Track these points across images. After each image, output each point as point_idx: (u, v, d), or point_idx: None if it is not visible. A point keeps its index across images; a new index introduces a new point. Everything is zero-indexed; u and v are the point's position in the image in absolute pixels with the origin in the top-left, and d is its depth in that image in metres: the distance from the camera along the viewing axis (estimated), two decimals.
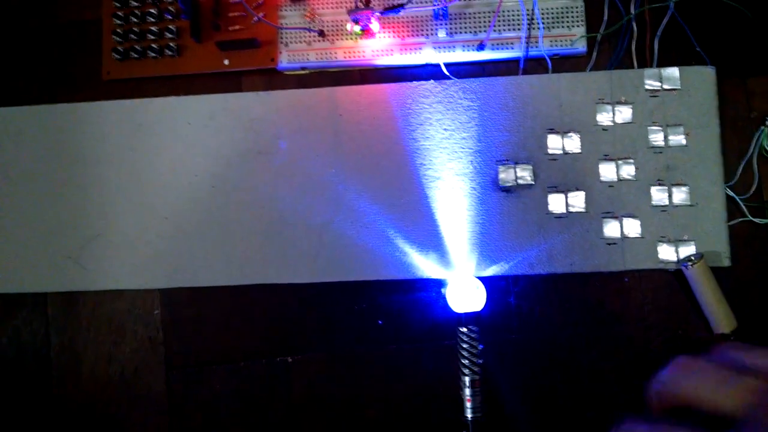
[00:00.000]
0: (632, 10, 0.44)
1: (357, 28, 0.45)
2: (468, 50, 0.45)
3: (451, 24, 0.45)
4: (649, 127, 0.44)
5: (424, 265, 0.44)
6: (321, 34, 0.46)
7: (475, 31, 0.45)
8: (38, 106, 0.48)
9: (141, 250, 0.46)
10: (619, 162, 0.44)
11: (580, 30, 0.45)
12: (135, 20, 0.48)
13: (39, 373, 0.47)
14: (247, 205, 0.46)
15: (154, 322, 0.47)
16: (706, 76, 0.44)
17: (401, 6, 0.43)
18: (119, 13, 0.48)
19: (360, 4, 0.44)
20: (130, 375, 0.47)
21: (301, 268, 0.45)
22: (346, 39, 0.46)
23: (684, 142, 0.44)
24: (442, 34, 0.45)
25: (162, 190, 0.47)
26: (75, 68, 0.49)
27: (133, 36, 0.48)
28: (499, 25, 0.45)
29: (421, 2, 0.46)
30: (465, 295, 0.42)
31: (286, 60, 0.46)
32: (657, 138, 0.44)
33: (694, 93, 0.44)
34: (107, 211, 0.47)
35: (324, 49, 0.46)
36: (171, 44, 0.47)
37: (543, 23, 0.45)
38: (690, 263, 0.42)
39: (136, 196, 0.47)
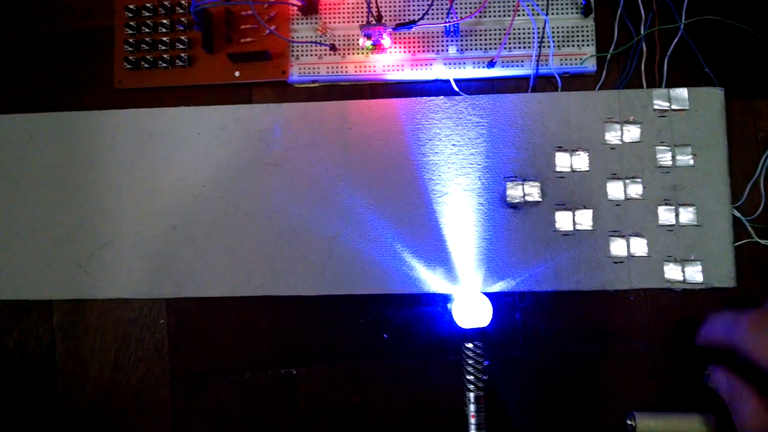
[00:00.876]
0: (642, 31, 0.46)
1: (368, 43, 0.46)
2: (478, 67, 0.46)
3: (462, 41, 0.47)
4: (656, 147, 0.45)
5: (431, 280, 0.45)
6: (332, 48, 0.47)
7: (486, 48, 0.47)
8: (48, 113, 0.49)
9: (149, 259, 0.47)
10: (627, 181, 0.45)
11: (590, 49, 0.46)
12: (147, 30, 0.49)
13: (44, 380, 0.48)
14: (256, 216, 0.47)
15: (160, 331, 0.48)
16: (714, 97, 0.45)
17: (414, 23, 0.45)
18: (131, 23, 0.49)
19: (372, 20, 0.45)
20: (135, 384, 0.48)
21: (308, 280, 0.46)
22: (357, 53, 0.47)
23: (691, 162, 0.45)
24: (452, 50, 0.47)
25: (171, 200, 0.48)
26: (86, 76, 0.50)
27: (145, 46, 0.49)
28: (510, 43, 0.46)
29: (433, 19, 0.47)
30: (471, 310, 0.43)
31: (297, 73, 0.48)
32: (665, 158, 0.45)
33: (702, 114, 0.45)
34: (116, 219, 0.48)
35: (335, 63, 0.47)
36: (182, 55, 0.48)
37: (554, 42, 0.46)
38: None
39: (144, 204, 0.48)
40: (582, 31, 0.46)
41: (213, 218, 0.47)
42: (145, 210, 0.48)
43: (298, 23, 0.48)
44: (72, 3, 0.51)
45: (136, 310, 0.48)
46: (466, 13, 0.47)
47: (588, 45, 0.46)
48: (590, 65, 0.46)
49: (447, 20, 0.46)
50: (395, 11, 0.47)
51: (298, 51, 0.48)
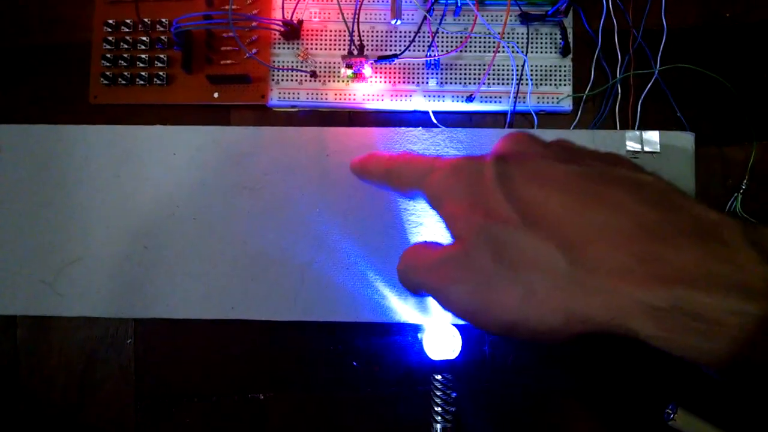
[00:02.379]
0: (618, 74, 0.48)
1: (349, 72, 0.48)
2: (457, 101, 0.49)
3: (442, 74, 0.49)
4: None
5: (402, 310, 0.47)
6: (313, 74, 0.49)
7: (465, 83, 0.49)
8: (20, 125, 0.50)
9: (118, 278, 0.48)
10: None
11: (567, 89, 0.48)
12: (126, 46, 0.50)
13: (6, 397, 0.49)
14: (230, 240, 0.48)
15: (127, 351, 0.49)
16: (685, 141, 0.48)
17: (395, 56, 0.46)
18: (110, 38, 0.50)
19: (354, 50, 0.47)
20: (99, 404, 0.49)
21: (280, 306, 0.48)
22: (338, 81, 0.49)
23: None
24: (432, 83, 0.49)
25: (143, 219, 0.49)
26: (61, 90, 0.51)
27: (122, 62, 0.50)
28: (489, 79, 0.49)
29: (415, 52, 0.49)
30: (441, 342, 0.45)
31: (276, 97, 0.49)
32: None
33: (673, 157, 0.48)
34: (86, 236, 0.49)
35: (315, 90, 0.49)
36: (161, 73, 0.50)
37: (532, 80, 0.48)
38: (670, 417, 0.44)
39: (116, 223, 0.49)
40: (560, 71, 0.49)
41: (186, 240, 0.48)
42: (117, 228, 0.49)
43: (279, 48, 0.50)
44: (50, 15, 0.52)
45: (103, 329, 0.49)
46: (447, 48, 0.49)
47: (565, 85, 0.49)
48: (566, 104, 0.48)
49: (428, 54, 0.48)
50: (377, 42, 0.49)
51: (278, 76, 0.49)
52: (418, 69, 0.49)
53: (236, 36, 0.47)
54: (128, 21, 0.50)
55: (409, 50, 0.48)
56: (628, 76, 0.48)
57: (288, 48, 0.50)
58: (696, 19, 0.49)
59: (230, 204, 0.48)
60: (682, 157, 0.48)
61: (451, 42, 0.49)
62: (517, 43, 0.48)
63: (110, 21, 0.50)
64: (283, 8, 0.48)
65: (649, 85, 0.48)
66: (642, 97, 0.48)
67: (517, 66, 0.48)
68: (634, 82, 0.48)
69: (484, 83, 0.48)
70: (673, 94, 0.48)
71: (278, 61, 0.49)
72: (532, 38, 0.49)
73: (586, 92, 0.49)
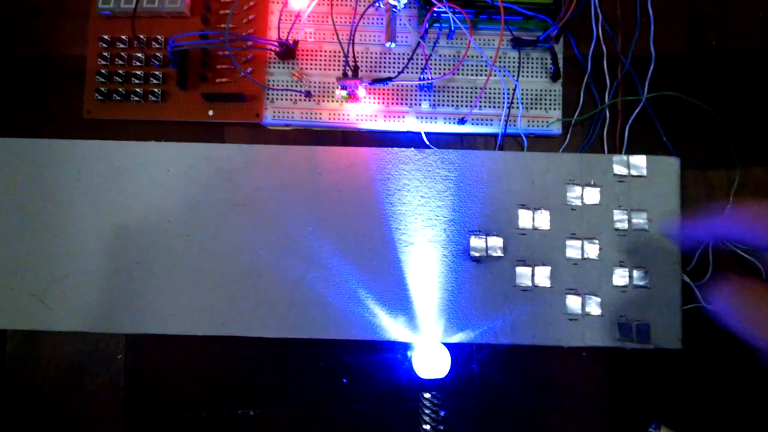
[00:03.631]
0: (606, 99, 0.50)
1: (344, 93, 0.49)
2: (449, 123, 0.50)
3: (434, 96, 0.50)
4: (614, 211, 0.49)
5: (392, 328, 0.49)
6: (307, 94, 0.50)
7: (457, 105, 0.51)
8: (12, 138, 0.50)
9: (109, 293, 0.49)
10: (585, 242, 0.49)
11: (557, 113, 0.50)
12: (121, 62, 0.52)
13: None
14: (221, 256, 0.49)
15: (116, 366, 0.50)
16: (670, 165, 0.49)
17: (389, 79, 0.48)
18: (105, 54, 0.51)
19: (349, 72, 0.49)
20: (87, 419, 0.50)
21: (270, 322, 0.49)
22: (332, 101, 0.50)
23: (647, 227, 0.49)
24: (425, 105, 0.50)
25: (135, 235, 0.50)
26: (55, 104, 0.52)
27: (117, 78, 0.51)
28: (481, 102, 0.50)
29: (409, 74, 0.50)
30: (430, 361, 0.47)
31: (270, 116, 0.51)
32: (621, 221, 0.49)
33: (659, 181, 0.49)
34: (77, 251, 0.50)
35: (309, 109, 0.51)
36: (155, 90, 0.51)
37: (522, 104, 0.50)
38: None
39: (108, 238, 0.50)
40: (550, 95, 0.51)
41: (177, 255, 0.49)
42: (108, 243, 0.50)
43: (274, 67, 0.51)
44: (45, 29, 0.53)
45: (93, 344, 0.50)
46: (440, 71, 0.50)
47: (554, 109, 0.51)
48: (556, 128, 0.50)
49: (422, 77, 0.50)
50: (372, 63, 0.51)
51: (273, 95, 0.51)
52: (412, 91, 0.51)
53: (232, 56, 0.49)
54: (124, 37, 0.52)
55: (404, 72, 0.50)
56: (617, 102, 0.50)
57: (283, 68, 0.51)
58: (683, 46, 0.51)
59: (222, 220, 0.49)
60: (668, 181, 0.50)
61: (445, 65, 0.50)
62: (509, 67, 0.50)
63: (105, 36, 0.52)
64: (279, 28, 0.50)
65: (636, 111, 0.50)
66: (629, 122, 0.50)
67: (509, 90, 0.50)
68: (622, 107, 0.50)
69: (476, 106, 0.50)
70: (660, 119, 0.50)
71: (273, 81, 0.51)
72: (523, 63, 0.51)
73: (575, 116, 0.51)
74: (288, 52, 0.50)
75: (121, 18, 0.51)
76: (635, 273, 0.49)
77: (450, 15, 0.48)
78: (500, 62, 0.50)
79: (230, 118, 0.51)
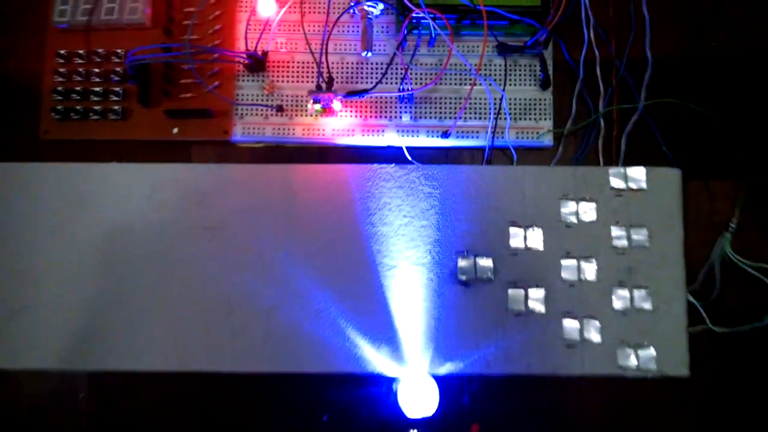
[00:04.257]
0: (601, 108, 0.47)
1: (318, 107, 0.47)
2: (432, 136, 0.48)
3: (416, 108, 0.48)
4: (612, 227, 0.46)
5: (376, 360, 0.46)
6: (279, 109, 0.48)
7: (441, 117, 0.48)
8: None
9: (71, 327, 0.46)
10: (581, 261, 0.46)
11: (547, 123, 0.48)
12: (79, 78, 0.49)
13: None
14: (190, 284, 0.46)
15: (79, 406, 0.47)
16: (671, 177, 0.46)
17: (365, 91, 0.45)
18: (62, 70, 0.49)
19: (323, 85, 0.46)
20: None
21: (244, 356, 0.46)
22: (306, 116, 0.48)
23: (647, 244, 0.46)
24: (406, 118, 0.48)
25: (99, 264, 0.47)
26: (9, 124, 0.50)
27: (75, 95, 0.49)
28: (466, 113, 0.48)
29: (387, 84, 0.48)
30: (417, 398, 0.43)
31: (240, 133, 0.48)
32: (620, 238, 0.46)
33: (659, 194, 0.46)
34: (36, 282, 0.47)
35: (281, 125, 0.48)
36: (116, 107, 0.48)
37: (510, 114, 0.47)
38: None
39: (69, 267, 0.47)
40: (539, 105, 0.48)
41: (143, 285, 0.46)
42: (70, 273, 0.47)
43: (243, 80, 0.49)
44: None
45: (55, 382, 0.47)
46: (421, 81, 0.48)
47: (545, 119, 0.48)
48: (547, 139, 0.48)
49: (401, 88, 0.47)
50: (347, 74, 0.48)
51: (242, 110, 0.48)
52: (391, 103, 0.48)
53: (194, 70, 0.46)
54: (81, 51, 0.49)
55: (381, 83, 0.47)
56: (611, 110, 0.47)
57: (252, 81, 0.49)
58: (681, 49, 0.49)
59: (190, 246, 0.46)
60: (669, 194, 0.47)
61: (426, 74, 0.48)
62: (495, 75, 0.48)
63: (62, 51, 0.49)
64: (246, 39, 0.47)
65: (633, 119, 0.48)
66: (626, 131, 0.48)
67: (495, 99, 0.47)
68: (618, 115, 0.48)
69: (460, 118, 0.47)
70: (659, 127, 0.48)
71: (242, 95, 0.48)
72: (510, 70, 0.48)
73: (568, 127, 0.48)
74: (257, 64, 0.47)
75: (78, 31, 0.49)
76: (636, 294, 0.46)
77: (430, 21, 0.45)
78: (485, 70, 0.48)
79: (197, 136, 0.48)
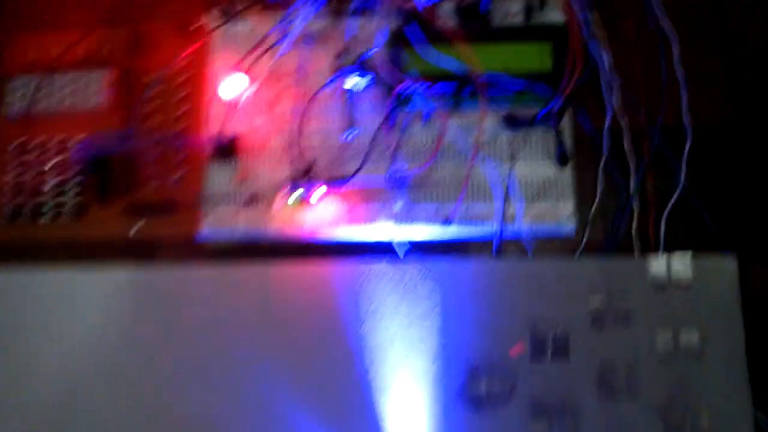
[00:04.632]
0: (632, 186, 0.41)
1: (297, 196, 0.42)
2: (431, 225, 0.42)
3: (411, 193, 0.42)
4: (654, 331, 0.39)
5: None
6: (253, 200, 0.43)
7: (441, 201, 0.42)
8: None
9: None
10: (618, 373, 0.39)
11: (568, 207, 0.42)
12: (28, 172, 0.46)
13: None
14: (151, 408, 0.41)
15: None
16: (725, 266, 0.39)
17: (350, 177, 0.40)
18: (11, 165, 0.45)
19: (302, 171, 0.41)
20: None
21: None
22: (284, 207, 0.43)
23: (699, 351, 0.39)
24: (399, 204, 0.42)
25: (45, 386, 0.42)
26: None
27: (22, 192, 0.45)
28: (471, 196, 0.42)
29: (377, 164, 0.42)
30: None
31: (209, 228, 0.44)
32: (665, 344, 0.39)
33: (711, 287, 0.39)
34: None
35: (256, 218, 0.44)
36: (69, 203, 0.45)
37: (523, 196, 0.41)
38: None
39: (12, 392, 0.42)
40: (557, 184, 0.42)
41: (98, 409, 0.41)
42: (12, 398, 0.42)
43: (212, 169, 0.44)
44: None
45: None
46: (416, 160, 0.42)
47: (565, 201, 0.42)
48: (568, 226, 0.42)
49: (391, 171, 0.41)
50: (330, 157, 0.44)
51: (211, 202, 0.44)
52: (381, 188, 0.43)
53: (155, 161, 0.41)
54: (31, 142, 0.46)
55: (370, 165, 0.42)
56: (646, 188, 0.41)
57: (223, 168, 0.44)
58: (726, 111, 0.42)
59: (153, 364, 0.41)
60: (723, 286, 0.39)
61: (423, 152, 0.42)
62: (503, 152, 0.42)
63: (11, 144, 0.45)
64: (215, 122, 0.43)
65: (674, 198, 0.41)
66: (666, 212, 0.41)
67: (504, 179, 0.41)
68: (654, 194, 0.41)
69: (461, 204, 0.41)
70: (707, 206, 0.41)
71: (211, 186, 0.44)
72: (520, 145, 0.42)
73: (593, 210, 0.41)
74: (227, 149, 0.44)
75: (27, 119, 0.46)
76: (688, 416, 0.38)
77: (421, 96, 0.40)
78: (491, 145, 0.42)
79: (161, 234, 0.44)
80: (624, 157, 0.41)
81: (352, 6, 0.42)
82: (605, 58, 0.41)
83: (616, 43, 0.41)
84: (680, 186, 0.40)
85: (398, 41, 0.42)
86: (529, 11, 0.43)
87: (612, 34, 0.41)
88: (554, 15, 0.42)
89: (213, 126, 0.43)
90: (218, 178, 0.44)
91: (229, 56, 0.44)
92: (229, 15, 0.44)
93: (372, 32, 0.43)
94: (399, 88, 0.41)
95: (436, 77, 0.41)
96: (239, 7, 0.44)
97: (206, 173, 0.44)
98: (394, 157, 0.41)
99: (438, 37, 0.41)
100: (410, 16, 0.42)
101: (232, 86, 0.42)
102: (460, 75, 0.40)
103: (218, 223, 0.43)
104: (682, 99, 0.40)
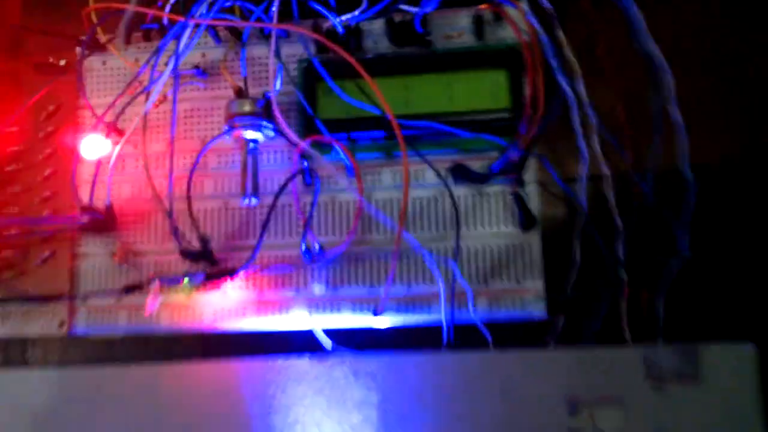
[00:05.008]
0: (620, 254, 0.32)
1: (190, 281, 0.33)
2: (360, 312, 0.33)
3: (332, 272, 0.34)
4: None
5: None
6: (137, 286, 0.34)
7: (372, 282, 0.33)
8: None
9: None
10: None
11: (536, 284, 0.33)
12: None
13: None
14: None
15: None
16: (742, 357, 0.31)
17: (253, 254, 0.31)
18: None
19: (193, 246, 0.33)
20: None
21: None
22: (176, 292, 0.34)
23: None
24: (319, 287, 0.34)
25: None
26: None
27: None
28: (409, 273, 0.33)
29: (289, 239, 0.34)
30: None
31: (85, 322, 0.36)
32: None
33: (722, 384, 0.31)
34: None
35: (142, 307, 0.35)
36: None
37: (478, 271, 0.33)
38: None
39: None
40: (521, 254, 0.33)
41: None
42: None
43: (87, 247, 0.36)
44: None
45: None
46: (336, 230, 0.33)
47: (533, 275, 0.33)
48: (537, 309, 0.33)
49: (306, 243, 0.32)
50: (229, 226, 0.35)
51: (86, 288, 0.36)
52: (296, 265, 0.34)
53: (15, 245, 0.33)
54: None
55: (279, 237, 0.33)
56: (637, 257, 0.32)
57: (100, 246, 0.36)
58: (732, 150, 0.33)
59: None
60: (738, 381, 0.31)
61: (345, 217, 0.34)
62: (449, 214, 0.33)
63: None
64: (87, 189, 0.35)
65: (673, 270, 0.32)
66: (664, 286, 0.32)
67: (451, 251, 0.33)
68: (648, 260, 0.32)
69: (397, 282, 0.33)
70: (715, 280, 0.33)
71: (85, 268, 0.36)
72: (474, 201, 0.33)
73: (569, 285, 0.33)
74: (105, 223, 0.36)
75: None
76: None
77: (341, 145, 0.31)
78: (435, 205, 0.33)
79: (28, 330, 0.36)
80: (607, 216, 0.32)
81: (247, 29, 0.32)
82: (580, 90, 0.31)
83: (591, 71, 0.32)
84: (682, 255, 0.31)
85: (310, 77, 0.33)
86: (480, 27, 0.33)
87: (586, 59, 0.32)
88: (511, 33, 0.33)
89: (83, 194, 0.34)
90: (93, 259, 0.36)
91: (99, 102, 0.35)
92: (92, 48, 0.35)
93: (276, 65, 0.34)
94: (312, 137, 0.32)
95: (359, 122, 0.32)
96: (105, 39, 0.34)
97: (78, 254, 0.36)
98: (307, 228, 0.33)
99: (362, 70, 0.33)
100: (326, 44, 0.33)
101: (98, 143, 0.33)
102: (389, 118, 0.31)
103: (96, 315, 0.35)
104: (679, 141, 0.31)
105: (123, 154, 0.34)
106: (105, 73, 0.36)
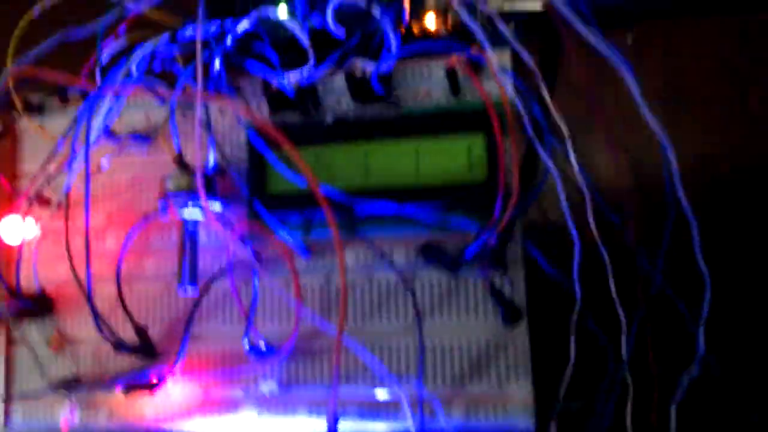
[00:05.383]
0: (624, 351, 0.26)
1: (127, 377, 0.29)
2: (317, 415, 0.28)
3: (285, 369, 0.28)
4: None
5: None
6: (75, 381, 0.30)
7: (327, 382, 0.28)
8: None
9: None
10: None
11: (524, 386, 0.27)
12: None
13: None
14: None
15: None
16: None
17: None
18: None
19: (126, 341, 0.28)
20: None
21: None
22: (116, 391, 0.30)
23: None
24: (268, 386, 0.28)
25: None
26: None
27: None
28: (371, 373, 0.28)
29: (231, 326, 0.29)
30: None
31: (20, 419, 0.32)
32: None
33: None
34: None
35: (81, 404, 0.31)
36: None
37: (453, 374, 0.27)
38: None
39: None
40: (505, 353, 0.28)
41: None
42: None
43: (21, 333, 0.32)
44: None
45: None
46: (288, 320, 0.28)
47: (519, 378, 0.28)
48: (524, 419, 0.27)
49: (251, 336, 0.28)
50: (172, 313, 0.30)
51: (19, 381, 0.32)
52: (243, 360, 0.29)
53: None
54: None
55: (224, 328, 0.29)
56: (647, 355, 0.26)
57: (35, 330, 0.32)
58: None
59: None
60: None
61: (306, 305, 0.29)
62: (418, 302, 0.27)
63: None
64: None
65: (692, 372, 0.26)
66: (678, 395, 0.26)
67: (417, 347, 0.27)
68: (658, 360, 0.26)
69: (336, 389, 0.27)
70: (735, 379, 0.27)
71: (18, 358, 0.32)
72: (450, 286, 0.28)
73: (562, 389, 0.26)
74: (41, 305, 0.31)
75: None
76: None
77: (296, 221, 0.27)
78: (400, 292, 0.28)
79: None
80: (609, 307, 0.26)
81: (180, 81, 0.27)
82: (571, 158, 0.25)
83: (581, 136, 0.26)
84: (699, 355, 0.25)
85: (254, 148, 0.28)
86: (454, 82, 0.28)
87: (575, 120, 0.25)
88: (492, 85, 0.27)
89: (13, 279, 0.30)
90: (25, 351, 0.31)
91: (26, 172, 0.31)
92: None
93: (222, 131, 0.29)
94: (251, 221, 0.27)
95: (313, 199, 0.27)
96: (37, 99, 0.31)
97: (10, 344, 0.32)
98: (250, 317, 0.28)
99: (314, 136, 0.28)
100: (276, 102, 0.28)
101: (17, 225, 0.29)
102: (349, 194, 0.26)
103: (30, 412, 0.31)
104: (692, 233, 0.25)
105: (57, 229, 0.30)
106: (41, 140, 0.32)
